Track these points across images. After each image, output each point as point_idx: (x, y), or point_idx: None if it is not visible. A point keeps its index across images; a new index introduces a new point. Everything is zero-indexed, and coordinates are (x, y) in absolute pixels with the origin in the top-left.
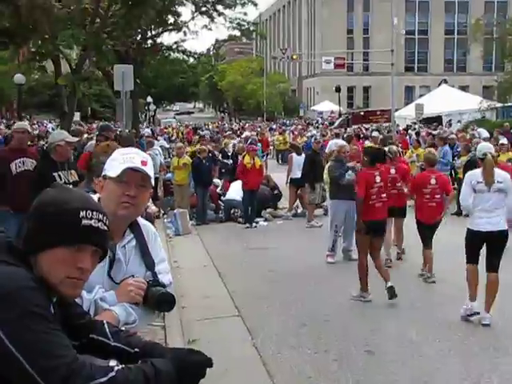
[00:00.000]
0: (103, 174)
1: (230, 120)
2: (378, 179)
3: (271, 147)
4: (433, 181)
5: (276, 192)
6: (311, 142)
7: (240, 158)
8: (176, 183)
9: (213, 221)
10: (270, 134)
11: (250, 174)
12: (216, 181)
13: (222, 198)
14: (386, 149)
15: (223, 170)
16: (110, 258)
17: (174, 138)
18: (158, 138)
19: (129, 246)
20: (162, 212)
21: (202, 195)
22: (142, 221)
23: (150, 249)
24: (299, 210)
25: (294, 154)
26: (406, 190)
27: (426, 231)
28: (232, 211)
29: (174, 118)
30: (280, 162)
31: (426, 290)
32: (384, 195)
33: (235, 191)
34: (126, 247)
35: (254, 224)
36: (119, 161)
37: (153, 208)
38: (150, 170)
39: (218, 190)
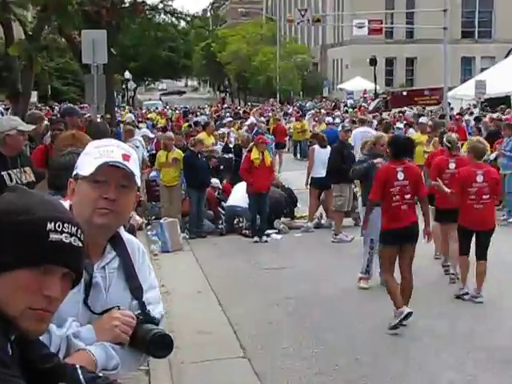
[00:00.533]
0: (74, 173)
1: (233, 102)
2: (400, 176)
3: (287, 137)
4: (479, 178)
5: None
6: (336, 131)
7: (245, 152)
8: (163, 184)
9: (211, 233)
10: (285, 120)
11: (258, 173)
12: (214, 181)
13: (222, 203)
14: (444, 138)
15: (222, 167)
16: (86, 283)
17: (159, 125)
18: (140, 125)
19: (110, 267)
20: (145, 222)
21: (197, 200)
22: (126, 234)
23: (137, 271)
24: (323, 220)
25: (316, 147)
26: (447, 189)
27: (469, 240)
28: (235, 221)
29: (160, 99)
30: (299, 156)
31: (471, 312)
32: (409, 196)
33: (239, 195)
34: (106, 268)
35: (263, 237)
36: (94, 155)
37: (137, 218)
38: (134, 167)
39: (216, 193)
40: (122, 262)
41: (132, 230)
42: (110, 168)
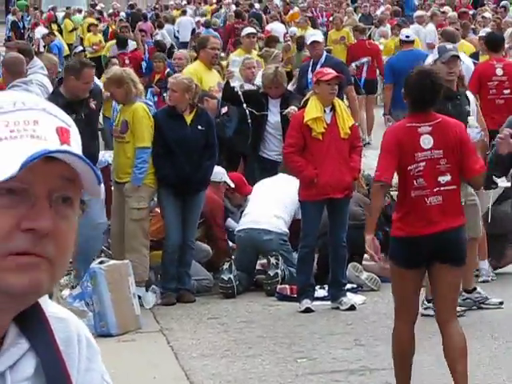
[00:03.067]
0: None
1: None
2: (426, 140)
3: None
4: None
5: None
6: None
7: (272, 107)
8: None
9: (208, 291)
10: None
11: (321, 156)
12: (219, 172)
13: (230, 222)
14: None
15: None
16: None
17: (89, 48)
18: (40, 48)
19: (16, 376)
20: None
21: (175, 217)
22: (52, 306)
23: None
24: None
25: None
26: None
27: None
28: (260, 263)
29: None
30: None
31: None
32: (446, 178)
33: (270, 205)
34: (6, 377)
35: (336, 300)
36: None
37: None
38: (79, 151)
39: (224, 199)
40: (45, 366)
41: None
42: (39, 164)
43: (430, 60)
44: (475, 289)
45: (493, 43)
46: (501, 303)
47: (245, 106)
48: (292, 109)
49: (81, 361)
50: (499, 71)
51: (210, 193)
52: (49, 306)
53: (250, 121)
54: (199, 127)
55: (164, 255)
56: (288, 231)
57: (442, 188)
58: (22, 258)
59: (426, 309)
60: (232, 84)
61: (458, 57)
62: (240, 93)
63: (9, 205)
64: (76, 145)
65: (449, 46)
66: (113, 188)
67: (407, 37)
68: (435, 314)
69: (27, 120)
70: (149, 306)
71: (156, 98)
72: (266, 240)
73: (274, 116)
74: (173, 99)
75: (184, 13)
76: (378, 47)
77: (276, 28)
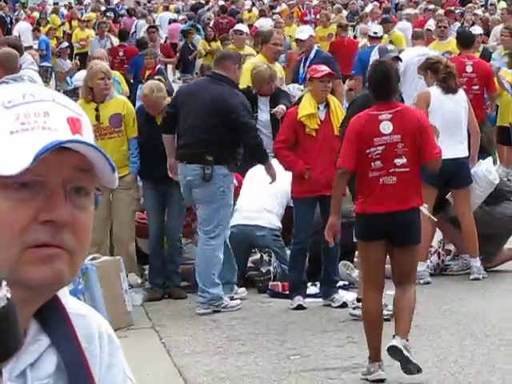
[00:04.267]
0: None
1: None
2: (386, 126)
3: None
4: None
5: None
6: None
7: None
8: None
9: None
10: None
11: (313, 152)
12: None
13: None
14: None
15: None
16: None
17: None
18: (32, 44)
19: (37, 374)
20: None
21: (159, 214)
22: (72, 302)
23: (98, 381)
24: (447, 258)
25: None
26: None
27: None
28: (251, 260)
29: None
30: None
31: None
32: (401, 161)
33: (260, 199)
34: (27, 376)
35: (328, 297)
36: (7, 126)
37: None
38: (90, 139)
39: None
40: (67, 362)
41: None
42: (48, 153)
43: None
44: None
45: (464, 40)
46: None
47: None
48: (280, 108)
49: (102, 357)
50: (469, 68)
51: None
52: (69, 301)
53: None
54: None
55: (149, 248)
56: (281, 225)
57: (396, 169)
58: (42, 250)
59: (354, 308)
60: None
61: (398, 58)
62: None
63: (25, 198)
64: (88, 134)
65: (390, 46)
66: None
67: (375, 33)
68: (391, 276)
69: (37, 112)
70: (137, 303)
71: None
72: (259, 236)
73: (264, 114)
74: (148, 104)
75: (166, 8)
76: (356, 44)
77: (264, 24)
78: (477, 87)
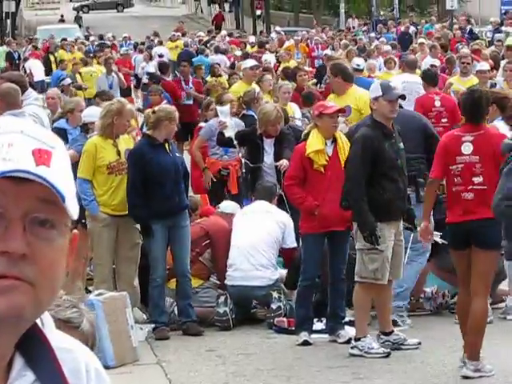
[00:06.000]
0: None
1: (239, 24)
2: (467, 147)
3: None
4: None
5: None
6: None
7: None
8: (105, 213)
9: (214, 324)
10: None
11: (322, 188)
12: (230, 204)
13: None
14: None
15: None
16: None
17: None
18: (34, 78)
19: None
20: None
21: (181, 247)
22: (57, 335)
23: None
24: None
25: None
26: None
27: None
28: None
29: (77, 19)
30: None
31: None
32: (478, 179)
33: (257, 257)
34: None
35: (334, 333)
36: None
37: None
38: (62, 176)
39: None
40: None
41: None
42: (7, 184)
43: (372, 95)
44: (392, 331)
45: (430, 78)
46: (419, 343)
47: (240, 155)
48: (284, 162)
49: None
50: (437, 103)
51: (215, 219)
52: (55, 335)
53: (244, 171)
54: (177, 154)
55: (152, 289)
56: (278, 275)
57: (474, 187)
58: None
59: (352, 348)
60: (227, 134)
61: (403, 96)
62: (235, 140)
63: None
64: (59, 167)
65: (392, 84)
66: (103, 224)
67: (358, 65)
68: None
69: (1, 143)
70: (141, 339)
71: None
72: (259, 295)
73: (269, 156)
74: (169, 131)
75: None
76: None
77: (269, 59)
78: (445, 120)
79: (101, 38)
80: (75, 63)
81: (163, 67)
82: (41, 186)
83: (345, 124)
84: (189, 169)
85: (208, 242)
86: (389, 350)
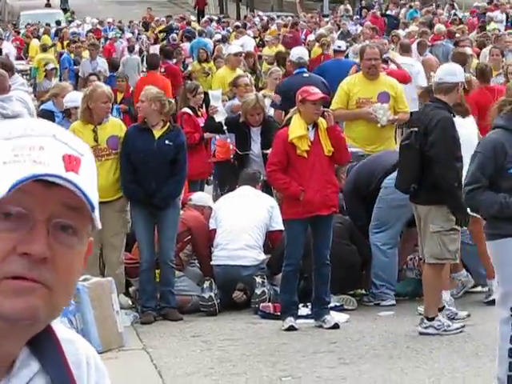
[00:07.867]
0: None
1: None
2: None
3: None
4: None
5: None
6: None
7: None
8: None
9: (188, 311)
10: None
11: (305, 173)
12: (199, 196)
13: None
14: None
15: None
16: None
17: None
18: (18, 66)
19: None
20: None
21: (165, 235)
22: (64, 332)
23: None
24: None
25: None
26: None
27: None
28: (239, 287)
29: (65, 4)
30: None
31: None
32: None
33: (244, 237)
34: None
35: (319, 318)
36: (4, 157)
37: None
38: (89, 183)
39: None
40: None
41: None
42: (36, 187)
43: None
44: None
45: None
46: (468, 315)
47: (229, 141)
48: None
49: None
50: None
51: (195, 213)
52: (58, 326)
53: (232, 156)
54: (166, 142)
55: (140, 273)
56: (264, 256)
57: None
58: (17, 283)
59: (426, 327)
60: (217, 119)
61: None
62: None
63: (7, 229)
64: (87, 174)
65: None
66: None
67: (339, 47)
68: None
69: (33, 146)
70: (126, 325)
71: (123, 116)
72: (244, 275)
73: (256, 145)
74: (141, 109)
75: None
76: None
77: (247, 42)
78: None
79: (100, 23)
80: (78, 46)
81: (168, 51)
82: (67, 191)
83: (389, 112)
84: None
85: (189, 238)
86: (463, 324)
